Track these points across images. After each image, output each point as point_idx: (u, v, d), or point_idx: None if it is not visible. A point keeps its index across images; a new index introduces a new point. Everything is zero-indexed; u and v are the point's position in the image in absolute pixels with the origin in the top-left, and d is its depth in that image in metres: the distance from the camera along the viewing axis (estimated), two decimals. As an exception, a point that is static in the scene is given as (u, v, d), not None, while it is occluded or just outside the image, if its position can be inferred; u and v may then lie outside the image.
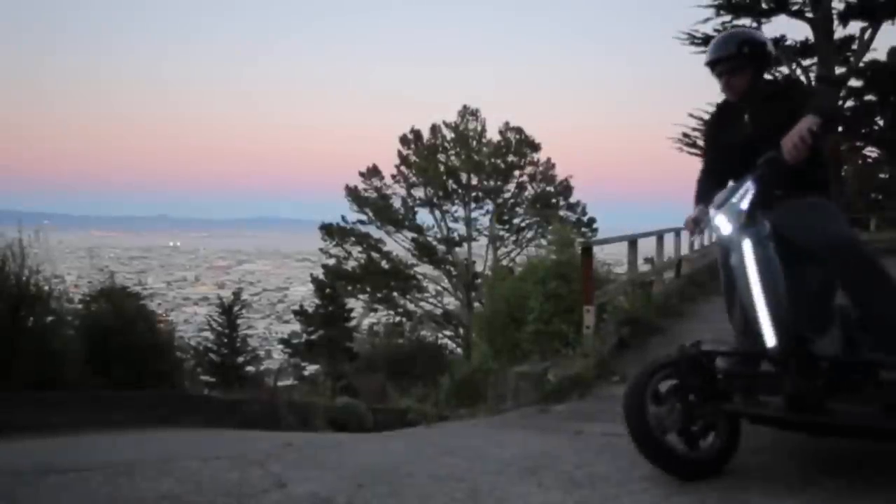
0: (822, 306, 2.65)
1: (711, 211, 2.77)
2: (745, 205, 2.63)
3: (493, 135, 29.90)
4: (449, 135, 29.81)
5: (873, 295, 2.56)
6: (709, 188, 2.96)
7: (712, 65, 2.92)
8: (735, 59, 2.85)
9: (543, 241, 22.14)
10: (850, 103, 22.43)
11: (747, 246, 2.61)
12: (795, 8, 22.01)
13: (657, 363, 2.80)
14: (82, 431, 5.74)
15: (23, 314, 7.35)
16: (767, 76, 2.99)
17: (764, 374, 2.62)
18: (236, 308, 25.36)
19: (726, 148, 2.98)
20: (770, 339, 2.50)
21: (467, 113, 29.95)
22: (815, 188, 2.79)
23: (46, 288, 7.87)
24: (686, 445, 2.63)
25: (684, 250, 12.75)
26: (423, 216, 30.04)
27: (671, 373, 2.69)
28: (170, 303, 48.52)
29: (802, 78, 22.63)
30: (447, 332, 29.31)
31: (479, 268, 29.31)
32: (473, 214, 30.07)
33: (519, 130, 29.85)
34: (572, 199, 29.90)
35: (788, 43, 22.56)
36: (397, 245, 29.77)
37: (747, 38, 2.91)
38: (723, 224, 2.69)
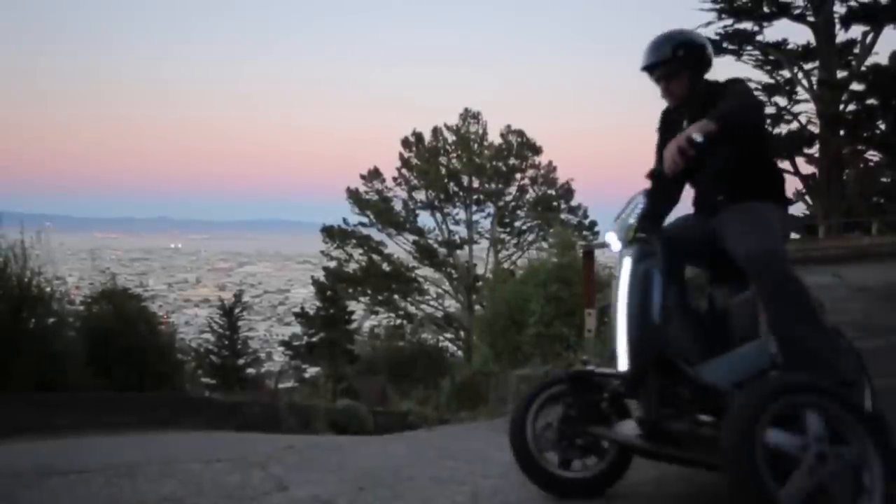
0: (732, 325, 2.48)
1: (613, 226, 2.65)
2: (632, 220, 2.51)
3: (494, 138, 29.98)
4: (450, 137, 29.86)
5: (783, 314, 2.37)
6: (647, 204, 2.93)
7: (649, 70, 2.76)
8: (671, 63, 2.69)
9: (544, 244, 22.18)
10: (851, 107, 22.44)
11: (626, 263, 2.49)
12: (797, 12, 22.03)
13: (545, 381, 2.78)
14: (83, 433, 5.74)
15: (24, 316, 7.35)
16: (709, 77, 2.79)
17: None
18: (237, 310, 25.35)
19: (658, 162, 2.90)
20: (623, 361, 2.38)
21: (468, 116, 30.01)
22: (758, 193, 2.64)
23: (48, 289, 7.87)
24: (563, 464, 2.60)
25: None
26: (425, 219, 30.09)
27: (558, 391, 2.65)
28: (171, 304, 48.59)
29: (805, 82, 22.67)
30: (448, 335, 29.32)
31: (479, 270, 29.34)
32: (474, 217, 30.14)
33: (520, 133, 29.90)
34: (573, 203, 29.94)
35: (790, 47, 22.57)
36: (398, 248, 29.82)
37: (682, 41, 2.72)
38: (613, 240, 2.58)
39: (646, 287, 2.40)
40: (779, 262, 2.43)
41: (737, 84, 2.69)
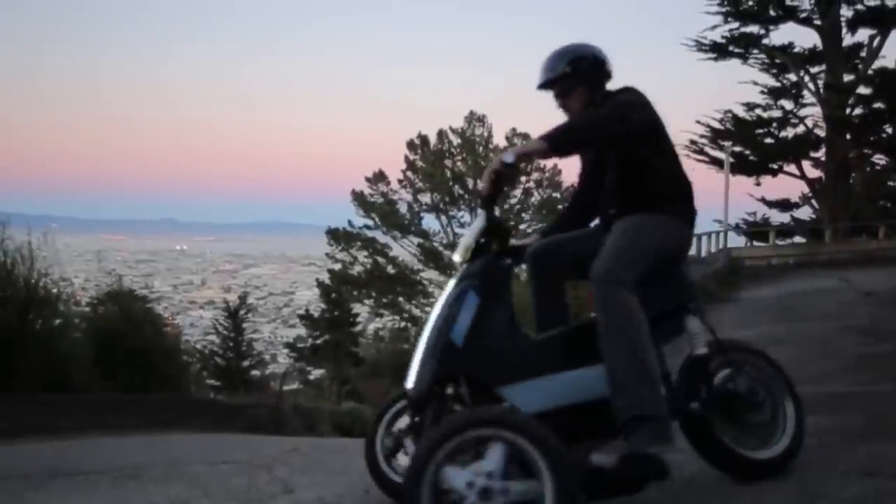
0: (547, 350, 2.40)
1: None
2: (470, 239, 2.44)
3: (499, 140, 29.96)
4: (455, 140, 29.88)
5: (604, 339, 2.28)
6: (565, 213, 2.92)
7: (544, 88, 2.68)
8: (562, 80, 2.63)
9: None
10: (858, 111, 22.39)
11: (451, 282, 2.44)
12: (804, 15, 22.02)
13: (396, 395, 2.80)
14: (89, 435, 5.74)
15: (31, 317, 7.36)
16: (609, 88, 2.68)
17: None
18: (242, 312, 25.38)
19: (582, 172, 2.87)
20: (411, 380, 2.31)
21: (474, 118, 30.02)
22: (649, 205, 2.52)
23: (55, 291, 7.88)
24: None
25: (691, 257, 12.72)
26: (430, 221, 30.05)
27: (404, 406, 2.65)
28: (176, 306, 48.69)
29: (811, 85, 22.61)
30: (452, 338, 29.26)
31: (484, 273, 29.27)
32: (480, 220, 30.11)
33: (526, 136, 29.87)
34: (579, 206, 29.92)
35: (796, 50, 22.54)
36: (403, 250, 29.83)
37: (575, 56, 2.63)
38: (456, 260, 2.53)
39: (456, 307, 2.32)
40: (607, 284, 2.31)
41: (621, 94, 2.56)
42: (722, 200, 21.98)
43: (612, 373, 2.25)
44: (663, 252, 2.51)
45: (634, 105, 2.49)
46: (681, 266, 2.59)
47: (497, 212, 2.50)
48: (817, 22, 21.89)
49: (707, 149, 24.50)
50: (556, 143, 2.34)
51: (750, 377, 2.60)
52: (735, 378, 2.58)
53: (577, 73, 2.62)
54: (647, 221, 2.50)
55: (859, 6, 21.14)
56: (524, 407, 2.21)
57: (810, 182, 23.80)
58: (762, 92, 23.51)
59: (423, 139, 29.92)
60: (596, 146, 2.55)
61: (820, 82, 22.48)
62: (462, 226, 30.03)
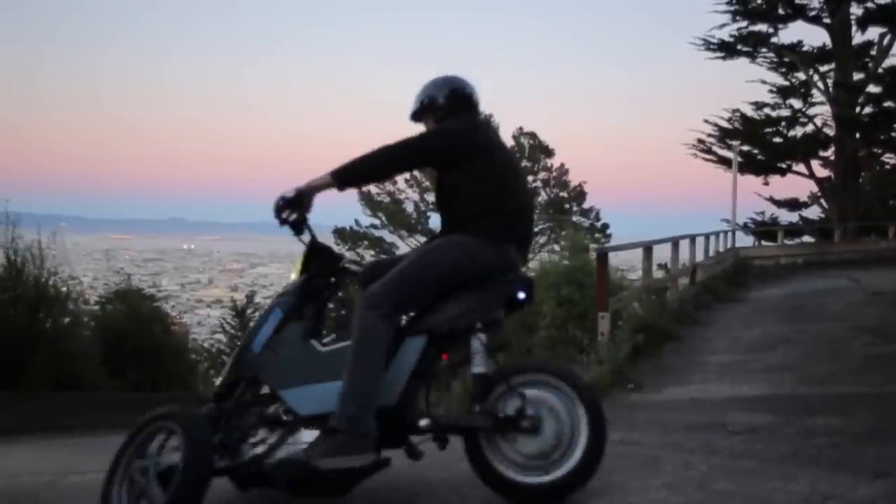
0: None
1: None
2: (298, 263, 2.73)
3: (506, 140, 29.90)
4: (462, 140, 29.88)
5: (349, 359, 2.44)
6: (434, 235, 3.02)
7: (413, 121, 2.85)
8: (418, 114, 2.81)
9: (556, 247, 22.13)
10: (868, 109, 22.24)
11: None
12: (813, 13, 21.89)
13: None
14: (98, 433, 5.78)
15: (41, 316, 7.41)
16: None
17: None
18: (249, 311, 25.39)
19: None
20: (219, 379, 2.65)
21: (480, 118, 30.03)
22: (459, 226, 2.58)
23: (64, 290, 7.93)
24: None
25: (699, 257, 12.68)
26: (436, 221, 30.06)
27: None
28: (184, 305, 48.70)
29: (820, 84, 22.47)
30: (459, 337, 29.28)
31: (491, 273, 29.24)
32: (486, 219, 30.12)
33: (532, 136, 29.84)
34: (586, 205, 29.81)
35: (805, 48, 22.41)
36: (410, 249, 29.84)
37: (426, 92, 2.79)
38: (291, 279, 2.79)
39: (263, 319, 2.67)
40: (360, 307, 2.48)
41: (443, 123, 2.70)
42: (730, 200, 21.91)
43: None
44: (455, 271, 2.53)
45: (432, 135, 2.68)
46: (485, 286, 2.55)
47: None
48: (827, 20, 21.76)
49: (715, 148, 24.41)
50: (342, 176, 2.53)
51: (526, 400, 2.48)
52: (508, 402, 2.49)
53: (423, 108, 2.78)
54: (443, 244, 2.59)
55: (869, 4, 20.98)
56: (299, 409, 2.51)
57: (819, 181, 23.67)
58: (771, 91, 23.39)
59: (430, 138, 29.98)
60: (382, 177, 2.84)
61: (829, 81, 22.34)
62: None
